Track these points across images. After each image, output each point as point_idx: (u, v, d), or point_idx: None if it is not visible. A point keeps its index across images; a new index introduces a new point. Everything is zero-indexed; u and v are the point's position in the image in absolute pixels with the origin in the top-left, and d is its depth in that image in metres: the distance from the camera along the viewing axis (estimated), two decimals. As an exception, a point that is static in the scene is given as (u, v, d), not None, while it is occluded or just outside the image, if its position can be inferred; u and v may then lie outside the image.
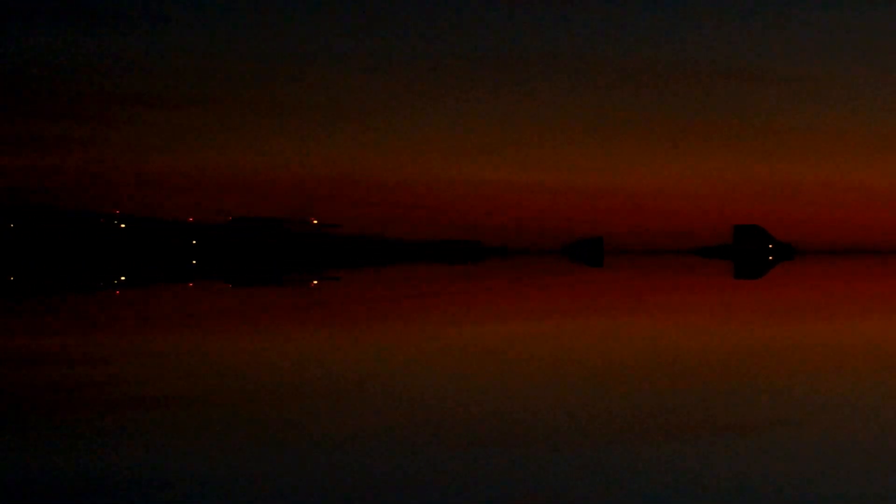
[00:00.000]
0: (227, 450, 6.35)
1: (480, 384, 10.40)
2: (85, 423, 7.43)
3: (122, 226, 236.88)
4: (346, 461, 6.01)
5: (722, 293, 37.09)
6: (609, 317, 23.12)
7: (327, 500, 4.78)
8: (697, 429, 7.54)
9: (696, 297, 33.59)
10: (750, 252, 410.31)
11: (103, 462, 5.75)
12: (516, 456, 6.21)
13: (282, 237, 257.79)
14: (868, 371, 12.17)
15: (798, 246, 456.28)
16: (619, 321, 21.55)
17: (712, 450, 6.65)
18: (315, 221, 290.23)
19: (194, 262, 40.11)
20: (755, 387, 10.55)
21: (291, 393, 9.42)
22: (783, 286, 45.52)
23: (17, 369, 11.53)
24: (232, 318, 22.72)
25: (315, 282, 49.91)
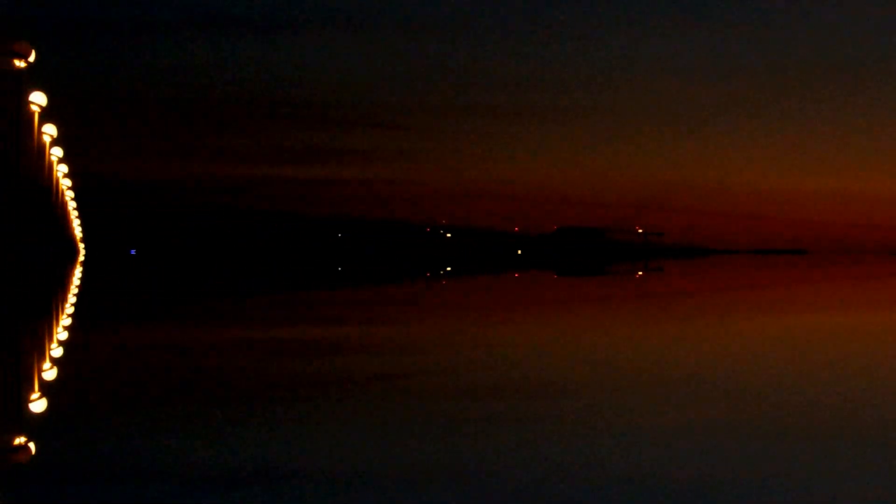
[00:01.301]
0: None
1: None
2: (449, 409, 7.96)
3: (448, 235, 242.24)
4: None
5: None
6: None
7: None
8: None
9: None
10: None
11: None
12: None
13: (605, 245, 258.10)
14: None
15: None
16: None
17: None
18: (640, 230, 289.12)
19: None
20: None
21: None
22: None
23: (378, 357, 12.28)
24: (581, 304, 23.27)
25: (640, 273, 50.42)
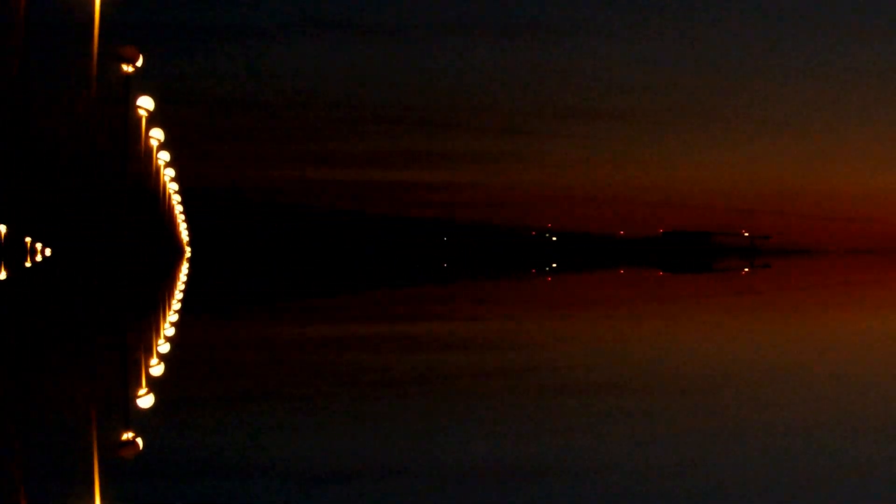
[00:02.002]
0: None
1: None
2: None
3: (554, 239, 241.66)
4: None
5: None
6: None
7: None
8: None
9: None
10: None
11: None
12: None
13: (710, 249, 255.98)
14: None
15: None
16: None
17: None
18: (746, 234, 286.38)
19: (622, 269, 41.54)
20: None
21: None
22: None
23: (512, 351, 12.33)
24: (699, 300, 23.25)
25: (746, 269, 49.89)
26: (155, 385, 6.93)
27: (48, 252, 70.49)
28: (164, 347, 9.51)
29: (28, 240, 61.34)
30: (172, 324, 12.32)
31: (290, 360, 8.44)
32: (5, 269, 36.67)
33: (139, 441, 4.88)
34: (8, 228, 56.58)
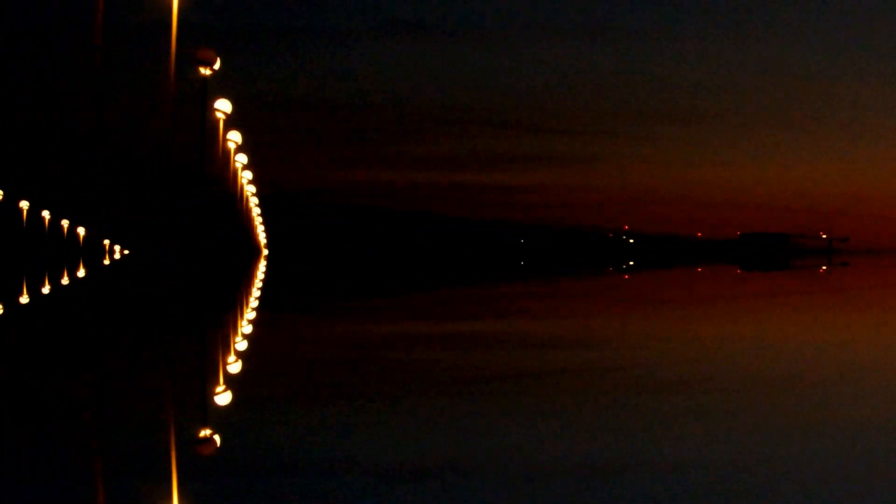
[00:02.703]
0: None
1: None
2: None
3: (631, 241, 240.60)
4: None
5: None
6: None
7: None
8: None
9: None
10: None
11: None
12: None
13: (788, 250, 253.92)
14: None
15: None
16: None
17: None
18: (824, 236, 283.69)
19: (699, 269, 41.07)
20: None
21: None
22: None
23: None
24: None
25: (824, 268, 49.34)
26: (236, 382, 6.90)
27: (126, 252, 71.11)
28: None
29: (107, 242, 61.89)
30: (251, 321, 12.34)
31: (379, 358, 8.36)
32: (84, 267, 37.03)
33: (217, 438, 4.77)
34: (87, 231, 57.07)
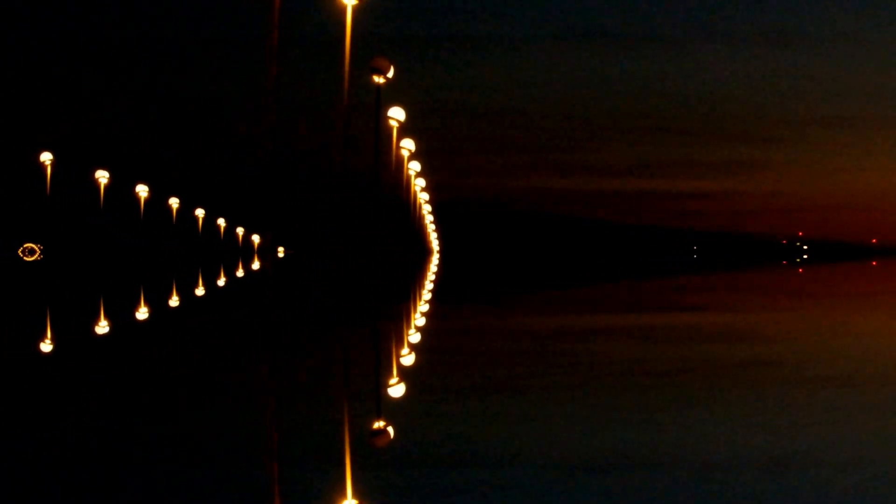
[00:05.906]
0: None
1: None
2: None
3: (804, 247, 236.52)
4: None
5: None
6: None
7: None
8: None
9: None
10: None
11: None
12: None
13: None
14: None
15: None
16: None
17: None
18: None
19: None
20: None
21: None
22: None
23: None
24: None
25: None
26: (411, 375, 6.87)
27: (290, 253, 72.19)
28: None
29: (281, 249, 62.91)
30: (424, 313, 12.32)
31: (558, 350, 8.30)
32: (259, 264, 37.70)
33: (391, 430, 4.66)
34: (262, 238, 58.07)
